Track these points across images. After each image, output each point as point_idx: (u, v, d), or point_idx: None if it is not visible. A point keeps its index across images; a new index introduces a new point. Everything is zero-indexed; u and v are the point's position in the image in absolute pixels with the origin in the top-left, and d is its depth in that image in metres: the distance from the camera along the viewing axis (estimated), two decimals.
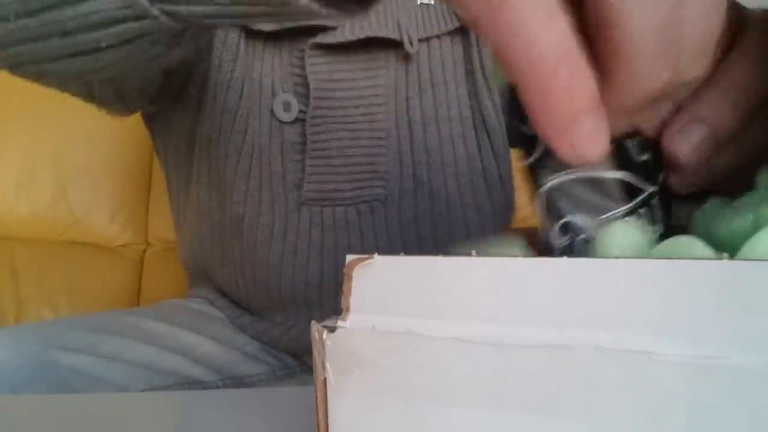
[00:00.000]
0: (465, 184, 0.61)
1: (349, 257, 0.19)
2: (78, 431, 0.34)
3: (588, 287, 0.16)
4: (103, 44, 0.34)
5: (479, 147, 0.61)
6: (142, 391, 0.58)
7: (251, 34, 0.59)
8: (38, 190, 1.23)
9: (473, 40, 0.59)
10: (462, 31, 0.59)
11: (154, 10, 0.32)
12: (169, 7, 0.32)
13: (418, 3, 0.59)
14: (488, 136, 0.60)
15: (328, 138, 0.58)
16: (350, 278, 0.19)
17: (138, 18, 0.32)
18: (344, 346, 0.19)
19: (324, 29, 0.57)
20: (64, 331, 0.59)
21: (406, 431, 0.19)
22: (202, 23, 0.35)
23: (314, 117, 0.58)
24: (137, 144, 1.25)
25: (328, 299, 0.62)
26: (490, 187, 0.62)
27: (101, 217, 1.23)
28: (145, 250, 1.25)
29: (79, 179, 1.24)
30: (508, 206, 0.65)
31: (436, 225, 0.61)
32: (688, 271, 0.16)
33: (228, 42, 0.59)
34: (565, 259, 0.17)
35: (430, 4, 0.59)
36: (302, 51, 0.58)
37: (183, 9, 0.31)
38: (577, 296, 0.16)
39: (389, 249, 0.61)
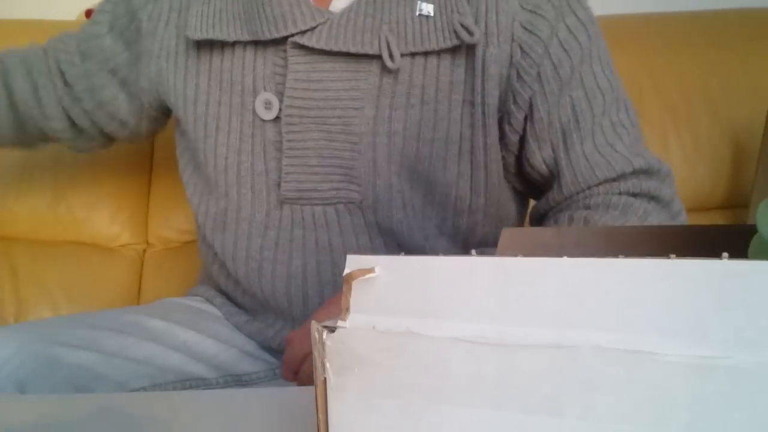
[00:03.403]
0: (438, 205, 0.60)
1: (350, 265, 0.19)
2: (79, 430, 0.34)
3: (588, 287, 0.16)
4: None
5: (459, 174, 0.59)
6: (143, 387, 0.58)
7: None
8: (38, 190, 1.23)
9: (479, 72, 0.56)
10: (461, 53, 0.56)
11: None
12: None
13: (417, 14, 0.57)
14: (471, 166, 0.59)
15: (304, 138, 0.58)
16: (350, 278, 0.19)
17: None
18: (344, 345, 0.19)
19: (303, 31, 0.57)
20: (66, 329, 0.59)
21: (406, 431, 0.19)
22: None
23: (289, 116, 0.57)
24: (137, 144, 1.25)
25: (313, 298, 0.62)
26: (459, 213, 0.60)
27: (101, 217, 1.23)
28: (145, 250, 1.25)
29: (79, 179, 1.24)
30: (474, 228, 0.64)
31: (414, 236, 0.60)
32: (689, 270, 0.16)
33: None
34: (565, 259, 0.17)
35: (430, 17, 0.57)
36: (285, 51, 0.58)
37: None
38: (577, 296, 0.16)
39: (370, 250, 0.60)
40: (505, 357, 0.17)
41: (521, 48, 0.55)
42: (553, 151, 0.57)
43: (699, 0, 1.04)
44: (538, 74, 0.56)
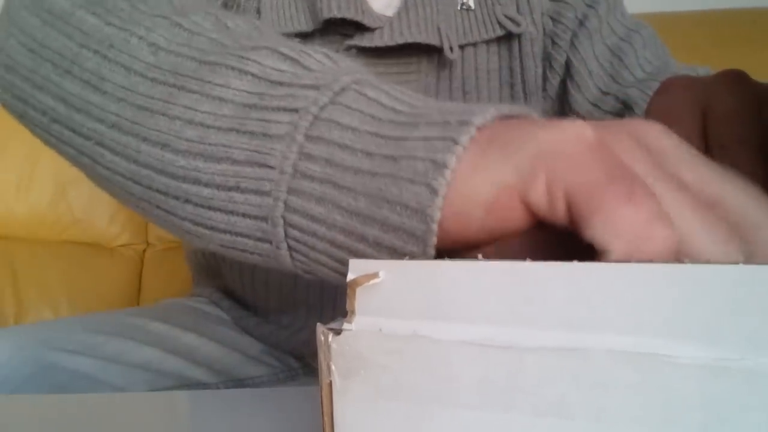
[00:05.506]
0: None
1: (353, 271, 0.19)
2: (78, 431, 0.34)
3: (599, 291, 0.16)
4: (211, 245, 0.31)
5: None
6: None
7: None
8: (38, 190, 1.23)
9: (516, 53, 0.58)
10: (503, 40, 0.58)
11: (283, 242, 0.28)
12: (298, 245, 0.28)
13: (458, 8, 0.58)
14: None
15: None
16: (354, 285, 0.19)
17: (259, 240, 0.29)
18: (350, 348, 0.19)
19: (362, 30, 0.56)
20: (64, 333, 0.59)
21: None
22: (312, 270, 0.30)
23: None
24: None
25: (343, 302, 0.61)
26: None
27: (101, 217, 1.23)
28: (145, 250, 1.25)
29: (79, 179, 1.24)
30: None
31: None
32: (701, 274, 0.15)
33: None
34: (575, 263, 0.17)
35: (471, 10, 0.57)
36: (336, 52, 0.57)
37: (311, 251, 0.28)
38: (588, 300, 0.16)
39: None
40: (514, 359, 0.17)
41: (551, 18, 0.58)
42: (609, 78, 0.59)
43: (701, 0, 1.04)
44: (573, 34, 0.58)
